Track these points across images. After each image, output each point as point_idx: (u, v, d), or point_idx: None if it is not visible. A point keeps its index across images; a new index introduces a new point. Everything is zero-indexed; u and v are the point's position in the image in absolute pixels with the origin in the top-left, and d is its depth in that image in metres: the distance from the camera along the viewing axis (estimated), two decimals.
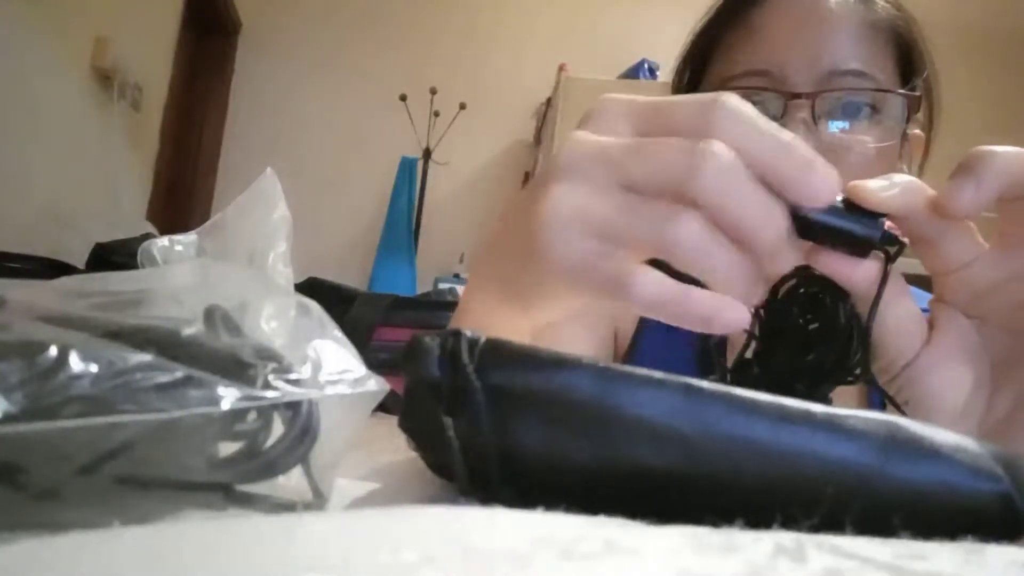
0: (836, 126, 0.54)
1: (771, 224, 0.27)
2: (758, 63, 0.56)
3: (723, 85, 0.57)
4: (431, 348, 0.22)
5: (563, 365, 0.20)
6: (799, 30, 0.55)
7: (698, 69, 0.63)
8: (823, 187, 0.28)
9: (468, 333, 0.22)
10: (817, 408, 0.19)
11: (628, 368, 0.20)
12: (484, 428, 0.20)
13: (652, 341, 0.66)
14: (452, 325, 0.41)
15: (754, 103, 0.55)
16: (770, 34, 0.56)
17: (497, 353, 0.21)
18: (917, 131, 0.63)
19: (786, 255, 0.29)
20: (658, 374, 0.20)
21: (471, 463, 0.21)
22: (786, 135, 0.28)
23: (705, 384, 0.20)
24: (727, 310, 0.28)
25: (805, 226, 0.29)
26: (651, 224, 0.27)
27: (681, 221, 0.27)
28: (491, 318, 0.35)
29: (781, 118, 0.53)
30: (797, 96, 0.53)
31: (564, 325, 0.63)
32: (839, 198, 0.30)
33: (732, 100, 0.28)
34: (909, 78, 0.59)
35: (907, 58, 0.59)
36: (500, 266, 0.34)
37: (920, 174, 0.64)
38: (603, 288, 0.29)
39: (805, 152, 0.28)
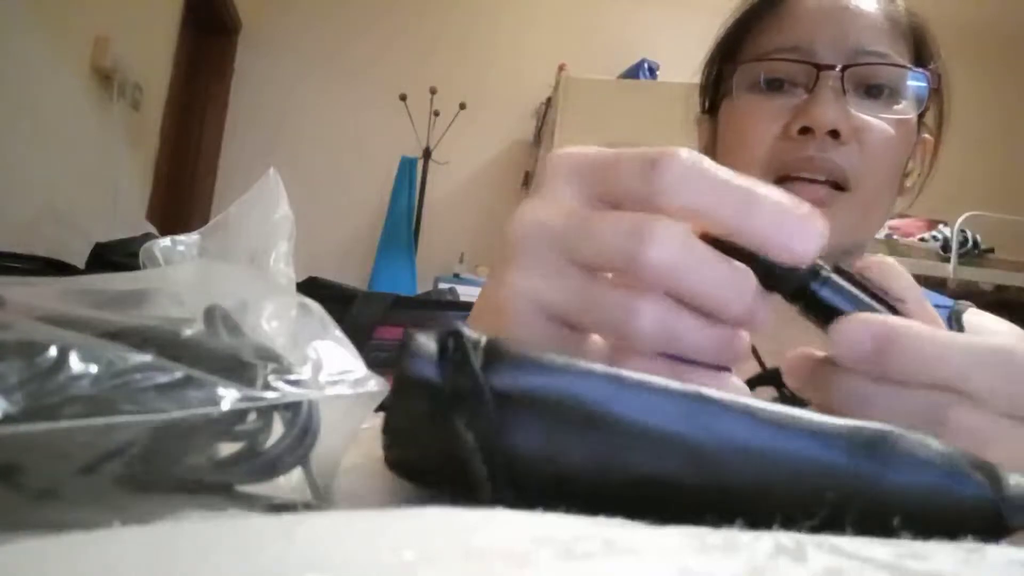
0: (861, 104, 0.58)
1: (736, 297, 0.24)
2: (788, 41, 0.60)
3: (757, 61, 0.61)
4: (428, 347, 0.21)
5: (566, 369, 0.20)
6: (827, 15, 0.60)
7: (727, 63, 0.65)
8: (803, 237, 0.24)
9: (468, 333, 0.21)
10: (807, 414, 0.19)
11: (632, 373, 0.20)
12: (491, 432, 0.20)
13: None
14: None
15: (785, 75, 0.59)
16: (799, 19, 0.61)
17: (499, 355, 0.21)
18: (927, 135, 0.66)
19: (759, 316, 0.25)
20: (661, 380, 0.20)
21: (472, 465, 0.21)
22: (746, 181, 0.24)
23: (709, 390, 0.20)
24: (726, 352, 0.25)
25: (810, 302, 0.25)
26: (611, 314, 0.25)
27: (640, 311, 0.24)
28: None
29: (812, 88, 0.57)
30: (828, 67, 0.57)
31: None
32: (854, 280, 0.25)
33: (681, 153, 0.24)
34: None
35: (921, 56, 0.63)
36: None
37: (927, 175, 0.68)
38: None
39: (774, 199, 0.24)
